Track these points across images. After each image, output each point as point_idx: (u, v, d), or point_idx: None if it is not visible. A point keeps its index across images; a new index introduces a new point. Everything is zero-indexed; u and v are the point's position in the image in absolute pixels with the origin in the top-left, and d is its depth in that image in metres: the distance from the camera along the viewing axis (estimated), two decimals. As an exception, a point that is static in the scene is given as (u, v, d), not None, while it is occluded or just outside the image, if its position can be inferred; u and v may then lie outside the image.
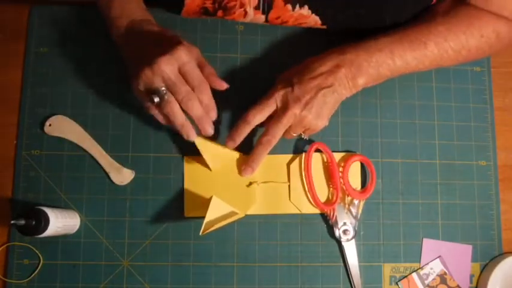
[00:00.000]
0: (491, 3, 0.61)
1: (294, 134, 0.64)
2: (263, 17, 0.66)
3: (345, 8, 0.65)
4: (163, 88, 0.58)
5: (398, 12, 0.65)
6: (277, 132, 0.62)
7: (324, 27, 0.67)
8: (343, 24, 0.67)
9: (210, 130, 0.61)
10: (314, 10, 0.65)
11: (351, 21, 0.66)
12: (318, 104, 0.61)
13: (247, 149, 0.65)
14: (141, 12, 0.64)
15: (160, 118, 0.61)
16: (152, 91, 0.59)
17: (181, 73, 0.59)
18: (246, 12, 0.65)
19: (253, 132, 0.64)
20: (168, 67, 0.58)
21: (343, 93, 0.62)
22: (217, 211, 0.63)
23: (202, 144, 0.63)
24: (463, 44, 0.62)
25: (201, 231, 0.59)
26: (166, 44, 0.59)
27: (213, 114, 0.61)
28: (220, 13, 0.65)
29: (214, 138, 0.65)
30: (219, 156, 0.65)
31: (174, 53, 0.58)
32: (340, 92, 0.61)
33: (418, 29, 0.62)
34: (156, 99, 0.58)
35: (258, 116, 0.62)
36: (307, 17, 0.66)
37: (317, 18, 0.66)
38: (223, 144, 0.64)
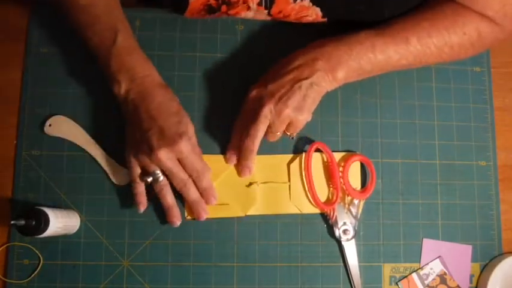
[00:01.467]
0: (477, 1, 0.61)
1: (278, 133, 0.63)
2: (265, 11, 0.66)
3: (345, 0, 0.65)
4: (158, 171, 0.60)
5: (399, 6, 0.65)
6: (258, 132, 0.61)
7: (325, 19, 0.67)
8: (344, 16, 0.67)
9: (204, 215, 0.63)
10: (315, 2, 0.65)
11: (351, 12, 0.66)
12: (294, 97, 0.60)
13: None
14: (142, 65, 0.62)
15: (139, 198, 0.62)
16: (146, 172, 0.61)
17: (180, 162, 0.60)
18: (249, 7, 0.65)
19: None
20: (167, 160, 0.59)
21: (323, 85, 0.61)
22: (216, 213, 0.63)
23: None
24: (445, 40, 0.61)
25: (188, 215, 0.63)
26: (169, 125, 0.59)
27: (213, 200, 0.63)
28: (224, 8, 0.65)
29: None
30: (215, 164, 0.66)
31: (174, 146, 0.59)
32: (319, 84, 0.60)
33: (402, 24, 0.62)
34: (150, 179, 0.60)
35: (239, 126, 0.64)
36: (308, 9, 0.66)
37: (318, 9, 0.66)
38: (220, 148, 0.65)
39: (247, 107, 0.64)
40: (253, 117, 0.61)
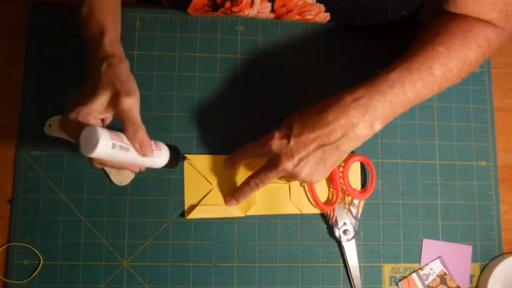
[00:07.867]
0: (482, 4, 0.60)
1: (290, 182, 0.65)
2: (269, 5, 0.66)
3: None
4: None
5: (401, 1, 0.65)
6: (266, 180, 0.60)
7: (327, 14, 0.67)
8: (347, 13, 0.67)
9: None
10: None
11: (354, 9, 0.66)
12: (314, 161, 0.57)
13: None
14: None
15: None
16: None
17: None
18: (253, 1, 0.65)
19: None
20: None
21: (353, 145, 0.57)
22: (216, 213, 0.63)
23: (195, 163, 0.66)
24: (464, 59, 0.61)
25: (188, 215, 0.63)
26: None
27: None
28: (228, 4, 0.65)
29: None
30: (216, 164, 0.66)
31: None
32: (345, 147, 0.57)
33: (420, 55, 0.60)
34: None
35: (247, 153, 0.63)
36: (312, 5, 0.66)
37: (321, 6, 0.66)
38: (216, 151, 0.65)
39: (264, 148, 0.59)
40: (267, 164, 0.59)
